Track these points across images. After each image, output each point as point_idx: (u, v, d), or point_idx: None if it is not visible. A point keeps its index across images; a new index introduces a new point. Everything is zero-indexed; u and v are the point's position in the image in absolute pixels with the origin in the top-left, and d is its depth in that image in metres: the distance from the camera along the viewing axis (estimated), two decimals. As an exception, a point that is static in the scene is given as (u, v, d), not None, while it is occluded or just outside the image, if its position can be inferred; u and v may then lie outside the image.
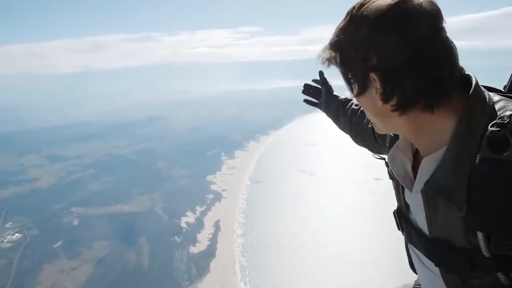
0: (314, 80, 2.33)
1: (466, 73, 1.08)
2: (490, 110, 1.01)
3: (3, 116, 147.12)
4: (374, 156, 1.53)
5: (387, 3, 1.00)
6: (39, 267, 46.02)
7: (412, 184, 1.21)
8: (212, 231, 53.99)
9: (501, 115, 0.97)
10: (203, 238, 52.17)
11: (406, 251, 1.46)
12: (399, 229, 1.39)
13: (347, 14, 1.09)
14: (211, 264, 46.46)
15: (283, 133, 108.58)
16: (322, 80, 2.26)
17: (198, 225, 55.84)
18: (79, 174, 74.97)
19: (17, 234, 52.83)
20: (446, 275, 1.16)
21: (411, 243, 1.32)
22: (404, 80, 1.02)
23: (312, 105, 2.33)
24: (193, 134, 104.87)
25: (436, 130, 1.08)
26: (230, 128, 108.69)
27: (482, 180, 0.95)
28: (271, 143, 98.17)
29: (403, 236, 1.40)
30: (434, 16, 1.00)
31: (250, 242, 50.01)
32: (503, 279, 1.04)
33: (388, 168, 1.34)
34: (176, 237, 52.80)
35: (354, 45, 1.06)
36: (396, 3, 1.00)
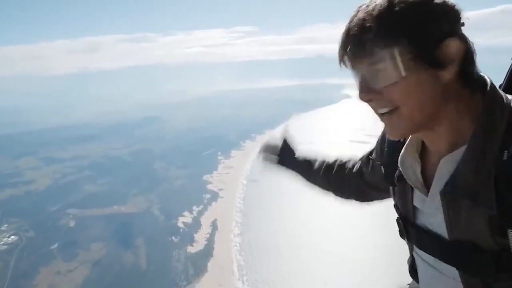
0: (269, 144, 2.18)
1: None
2: (508, 108, 1.00)
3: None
4: (375, 160, 1.50)
5: None
6: (35, 269, 45.82)
7: (426, 187, 1.17)
8: (209, 230, 53.95)
9: None
10: (200, 238, 52.12)
11: (410, 259, 1.41)
12: (402, 237, 1.35)
13: None
14: (209, 264, 46.41)
15: (279, 132, 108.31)
16: (283, 136, 2.13)
17: (195, 225, 55.76)
18: (75, 176, 74.75)
19: (13, 237, 52.56)
20: (468, 279, 1.10)
21: (421, 249, 1.26)
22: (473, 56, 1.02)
23: (274, 163, 2.14)
24: (189, 134, 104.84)
25: (455, 128, 1.06)
26: (226, 128, 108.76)
27: None
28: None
29: (408, 244, 1.36)
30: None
31: (248, 242, 49.99)
32: None
33: (393, 173, 1.29)
34: (173, 237, 52.71)
35: (420, 8, 0.96)
36: None
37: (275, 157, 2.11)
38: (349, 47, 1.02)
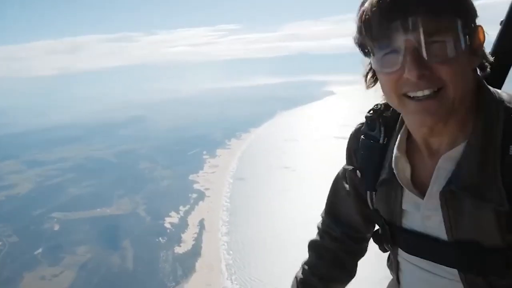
0: None
1: None
2: (503, 104, 1.00)
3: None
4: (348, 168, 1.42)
5: None
6: (19, 275, 44.95)
7: (416, 189, 1.14)
8: (197, 230, 53.73)
9: None
10: (188, 238, 51.89)
11: (394, 264, 1.37)
12: (385, 242, 1.31)
13: None
14: (197, 264, 46.24)
15: (264, 130, 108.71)
16: None
17: (182, 225, 55.47)
18: (58, 179, 73.60)
19: (-5, 242, 51.53)
20: (470, 279, 1.07)
21: (411, 254, 1.22)
22: None
23: None
24: (174, 133, 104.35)
25: (461, 122, 1.03)
26: (211, 127, 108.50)
27: None
28: (253, 140, 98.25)
29: (391, 249, 1.33)
30: None
31: (235, 240, 49.96)
32: None
33: (373, 178, 1.25)
34: (160, 238, 52.34)
35: None
36: None
37: None
38: (414, 4, 0.90)
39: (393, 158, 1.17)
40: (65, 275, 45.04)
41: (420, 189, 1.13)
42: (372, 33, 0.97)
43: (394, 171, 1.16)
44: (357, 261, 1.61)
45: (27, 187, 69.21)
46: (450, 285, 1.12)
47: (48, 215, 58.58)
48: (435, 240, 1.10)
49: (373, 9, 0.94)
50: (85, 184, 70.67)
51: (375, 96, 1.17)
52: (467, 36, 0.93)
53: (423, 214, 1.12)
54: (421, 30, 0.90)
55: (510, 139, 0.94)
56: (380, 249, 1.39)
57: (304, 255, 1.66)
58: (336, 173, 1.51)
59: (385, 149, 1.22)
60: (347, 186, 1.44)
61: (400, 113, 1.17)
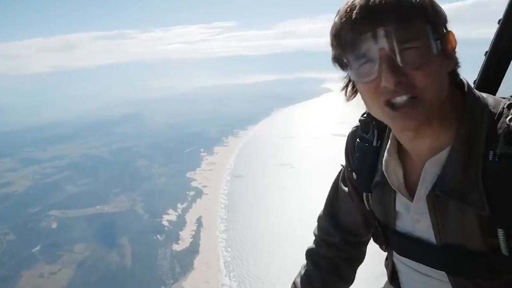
0: None
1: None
2: (487, 108, 1.00)
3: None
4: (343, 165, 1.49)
5: None
6: (17, 273, 44.93)
7: (407, 192, 1.15)
8: (195, 228, 53.82)
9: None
10: (186, 235, 51.97)
11: (390, 264, 1.43)
12: (380, 243, 1.36)
13: None
14: (195, 261, 46.34)
15: (261, 127, 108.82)
16: None
17: (180, 222, 55.54)
18: (55, 177, 73.44)
19: (-7, 241, 51.42)
20: (458, 281, 1.10)
21: (404, 256, 1.25)
22: None
23: None
24: (171, 131, 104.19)
25: (445, 126, 1.04)
26: (208, 124, 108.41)
27: (502, 175, 0.93)
28: (250, 138, 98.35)
29: (387, 250, 1.37)
30: None
31: (233, 238, 50.09)
32: None
33: (368, 179, 1.27)
34: (158, 236, 52.41)
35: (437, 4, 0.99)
36: None
37: None
38: (384, 13, 0.91)
39: (383, 161, 1.18)
40: (63, 273, 45.06)
41: (411, 192, 1.14)
42: (346, 46, 0.98)
43: (385, 174, 1.18)
44: (356, 269, 1.64)
45: (24, 185, 69.09)
46: (443, 286, 1.14)
47: (45, 213, 58.51)
48: (425, 243, 1.12)
49: (344, 23, 0.96)
50: (82, 182, 70.60)
51: None
52: (438, 41, 0.94)
53: (412, 218, 1.14)
54: (394, 39, 0.91)
55: (492, 144, 0.95)
56: (380, 248, 1.42)
57: (302, 252, 1.71)
58: (337, 173, 1.56)
59: (379, 151, 1.24)
60: (347, 186, 1.48)
61: None
